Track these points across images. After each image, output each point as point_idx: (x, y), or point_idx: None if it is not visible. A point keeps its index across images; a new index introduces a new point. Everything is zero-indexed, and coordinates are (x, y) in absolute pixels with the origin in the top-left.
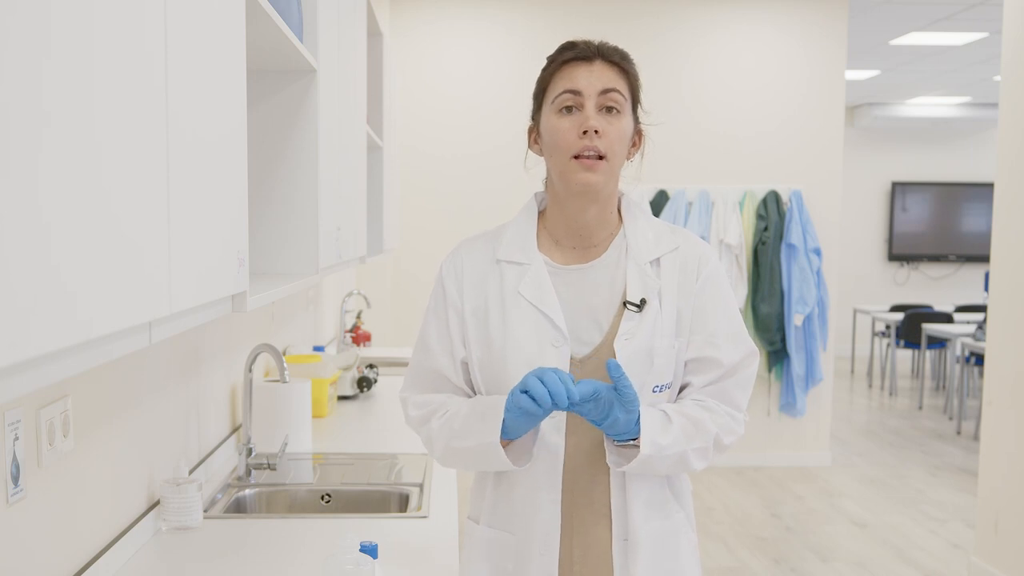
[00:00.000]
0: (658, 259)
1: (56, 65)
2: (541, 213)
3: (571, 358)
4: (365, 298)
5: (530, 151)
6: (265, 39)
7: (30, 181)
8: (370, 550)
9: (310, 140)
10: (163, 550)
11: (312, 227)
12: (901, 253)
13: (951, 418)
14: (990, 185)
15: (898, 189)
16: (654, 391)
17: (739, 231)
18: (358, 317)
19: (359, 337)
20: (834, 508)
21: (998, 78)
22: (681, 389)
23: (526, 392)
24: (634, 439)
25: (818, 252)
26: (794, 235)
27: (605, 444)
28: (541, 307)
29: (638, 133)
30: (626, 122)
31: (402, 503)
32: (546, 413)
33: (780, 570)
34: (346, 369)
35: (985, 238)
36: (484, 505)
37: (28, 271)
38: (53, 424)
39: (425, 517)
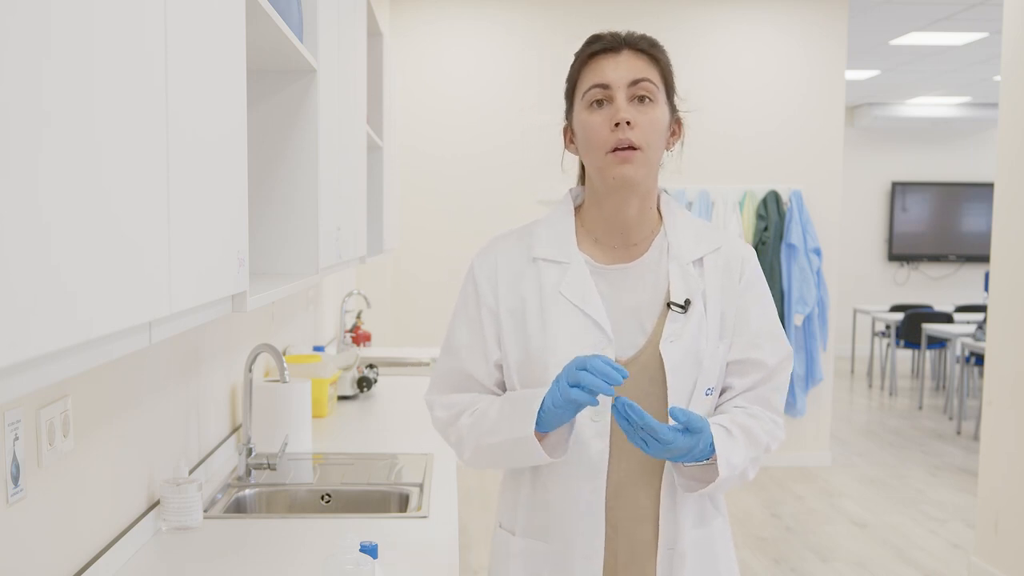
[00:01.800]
0: (700, 259)
1: (56, 65)
2: (578, 210)
3: (615, 360)
4: (365, 298)
5: (567, 151)
6: (265, 39)
7: (30, 181)
8: (370, 550)
9: (310, 140)
10: (163, 550)
11: (312, 227)
12: (901, 253)
13: (951, 418)
14: (990, 185)
15: (898, 189)
16: (706, 394)
17: (739, 231)
18: (358, 317)
19: (359, 337)
20: (834, 508)
21: (998, 78)
22: (721, 392)
23: (577, 386)
24: (704, 458)
25: (818, 252)
26: (794, 235)
27: (674, 472)
28: (584, 307)
29: (677, 122)
30: (660, 111)
31: (402, 503)
32: (594, 401)
33: (780, 570)
34: (346, 369)
35: (985, 238)
36: (519, 514)
37: (28, 271)
38: (53, 424)
39: (425, 517)
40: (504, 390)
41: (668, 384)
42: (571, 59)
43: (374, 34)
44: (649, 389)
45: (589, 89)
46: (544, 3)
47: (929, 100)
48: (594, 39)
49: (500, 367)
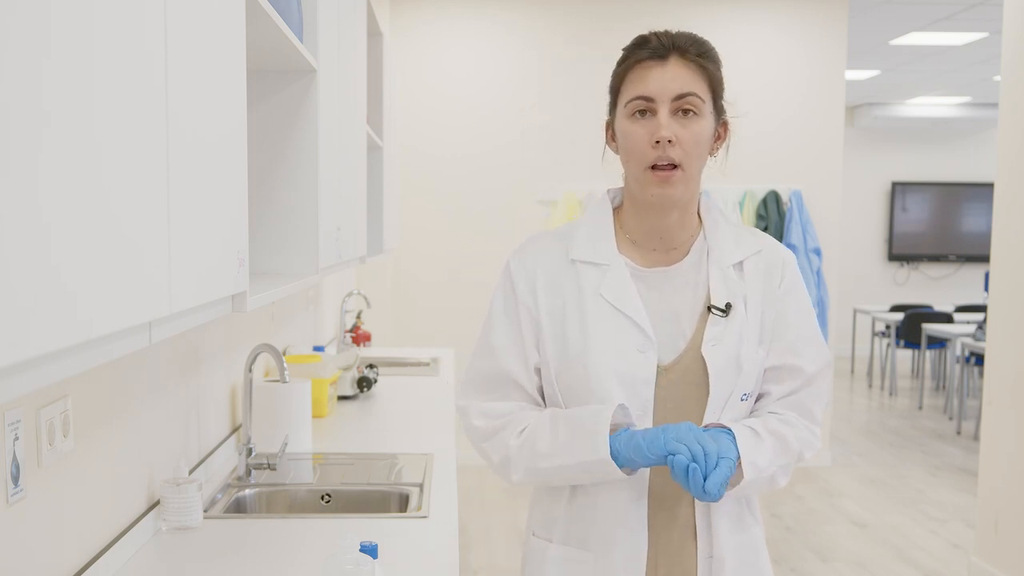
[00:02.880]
0: (741, 263)
1: (56, 65)
2: (617, 211)
3: (657, 365)
4: (365, 298)
5: (608, 148)
6: (265, 39)
7: (30, 181)
8: (370, 550)
9: (310, 140)
10: (163, 550)
11: (312, 227)
12: (901, 253)
13: (951, 418)
14: (990, 185)
15: (898, 189)
16: (742, 399)
17: None
18: (358, 317)
19: (359, 337)
20: (834, 508)
21: (998, 78)
22: (757, 399)
23: (672, 455)
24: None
25: (818, 252)
26: (794, 235)
27: None
28: (625, 310)
29: (723, 125)
30: (704, 124)
31: (402, 503)
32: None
33: (780, 570)
34: (346, 369)
35: (985, 238)
36: (558, 522)
37: (28, 271)
38: (53, 424)
39: (425, 517)
40: (543, 396)
41: (711, 388)
42: (570, 59)
43: (374, 34)
44: (690, 394)
45: (633, 99)
46: (544, 3)
47: (929, 100)
48: (641, 42)
49: (539, 371)
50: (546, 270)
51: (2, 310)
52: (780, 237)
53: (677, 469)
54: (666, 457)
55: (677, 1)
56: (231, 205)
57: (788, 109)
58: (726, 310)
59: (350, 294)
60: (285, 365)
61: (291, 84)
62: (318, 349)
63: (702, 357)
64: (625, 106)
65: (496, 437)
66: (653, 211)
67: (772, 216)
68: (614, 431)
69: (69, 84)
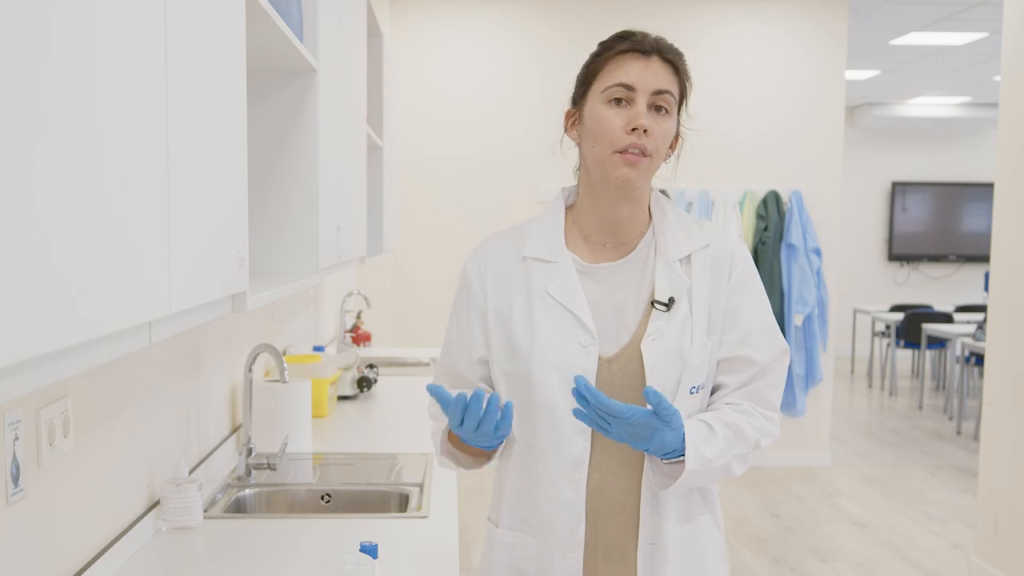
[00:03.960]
0: (688, 256)
1: (55, 66)
2: (569, 208)
3: (599, 358)
4: (365, 298)
5: (566, 136)
6: (265, 39)
7: (28, 181)
8: (370, 550)
9: (310, 140)
10: (163, 550)
11: (312, 227)
12: (901, 253)
13: (951, 418)
14: (990, 185)
15: (898, 189)
16: (691, 392)
17: (739, 231)
18: (358, 317)
19: (359, 337)
20: (834, 508)
21: (998, 78)
22: (714, 391)
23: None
24: (680, 456)
25: (818, 252)
26: (794, 235)
27: (649, 466)
28: (569, 306)
29: (677, 135)
30: (672, 123)
31: (402, 503)
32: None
33: (780, 570)
34: (346, 369)
35: (985, 238)
36: (504, 507)
37: (28, 272)
38: (53, 424)
39: (425, 517)
40: (491, 386)
41: (648, 382)
42: (571, 60)
43: (374, 34)
44: (631, 386)
45: (613, 86)
46: (545, 4)
47: (929, 100)
48: (626, 35)
49: (485, 363)
50: (498, 267)
51: (2, 310)
52: (780, 237)
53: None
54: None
55: (677, 2)
56: (231, 205)
57: (788, 109)
58: (669, 304)
59: (350, 294)
60: (285, 365)
61: (291, 84)
62: (318, 349)
63: (641, 353)
64: (603, 91)
65: (435, 421)
66: (609, 198)
67: (772, 216)
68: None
69: (68, 84)
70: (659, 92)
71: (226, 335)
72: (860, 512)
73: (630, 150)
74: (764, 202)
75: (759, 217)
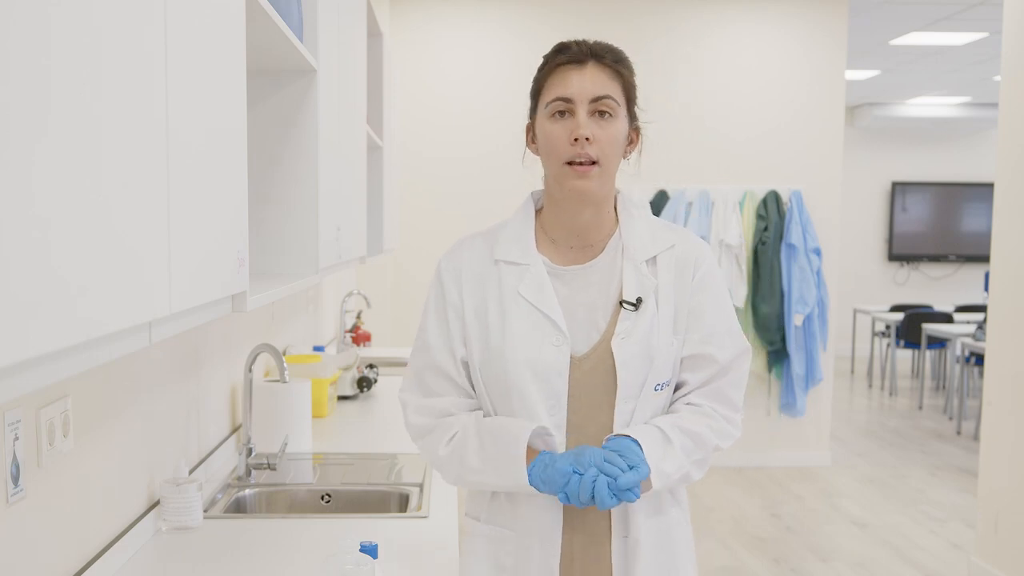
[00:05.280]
0: (654, 257)
1: (55, 66)
2: (538, 212)
3: (571, 357)
4: (365, 298)
5: (528, 149)
6: (265, 39)
7: (29, 182)
8: (370, 550)
9: (310, 140)
10: (163, 550)
11: (312, 227)
12: (901, 253)
13: (951, 418)
14: (990, 185)
15: (898, 189)
16: (656, 389)
17: (739, 231)
18: (358, 317)
19: (359, 337)
20: (834, 508)
21: (998, 78)
22: (677, 388)
23: (565, 493)
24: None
25: (818, 252)
26: (794, 235)
27: None
28: (541, 308)
29: (635, 131)
30: (619, 126)
31: (402, 503)
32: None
33: (780, 570)
34: (346, 369)
35: (985, 238)
36: (483, 504)
37: (28, 272)
38: (53, 424)
39: (425, 517)
40: (472, 386)
41: (618, 379)
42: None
43: (374, 34)
44: (601, 383)
45: (552, 101)
46: (543, 4)
47: (929, 100)
48: (561, 48)
49: (466, 364)
50: (472, 270)
51: (3, 310)
52: (780, 237)
53: (581, 488)
54: (569, 479)
55: (677, 2)
56: (231, 205)
57: (788, 109)
58: (637, 304)
59: (350, 294)
60: (285, 365)
61: (291, 84)
62: (318, 349)
63: (611, 349)
64: (546, 107)
65: (428, 438)
66: (571, 207)
67: (772, 216)
68: (535, 453)
69: (68, 84)
70: (598, 99)
71: (226, 335)
72: (860, 512)
73: (576, 160)
74: (764, 202)
75: (759, 217)
